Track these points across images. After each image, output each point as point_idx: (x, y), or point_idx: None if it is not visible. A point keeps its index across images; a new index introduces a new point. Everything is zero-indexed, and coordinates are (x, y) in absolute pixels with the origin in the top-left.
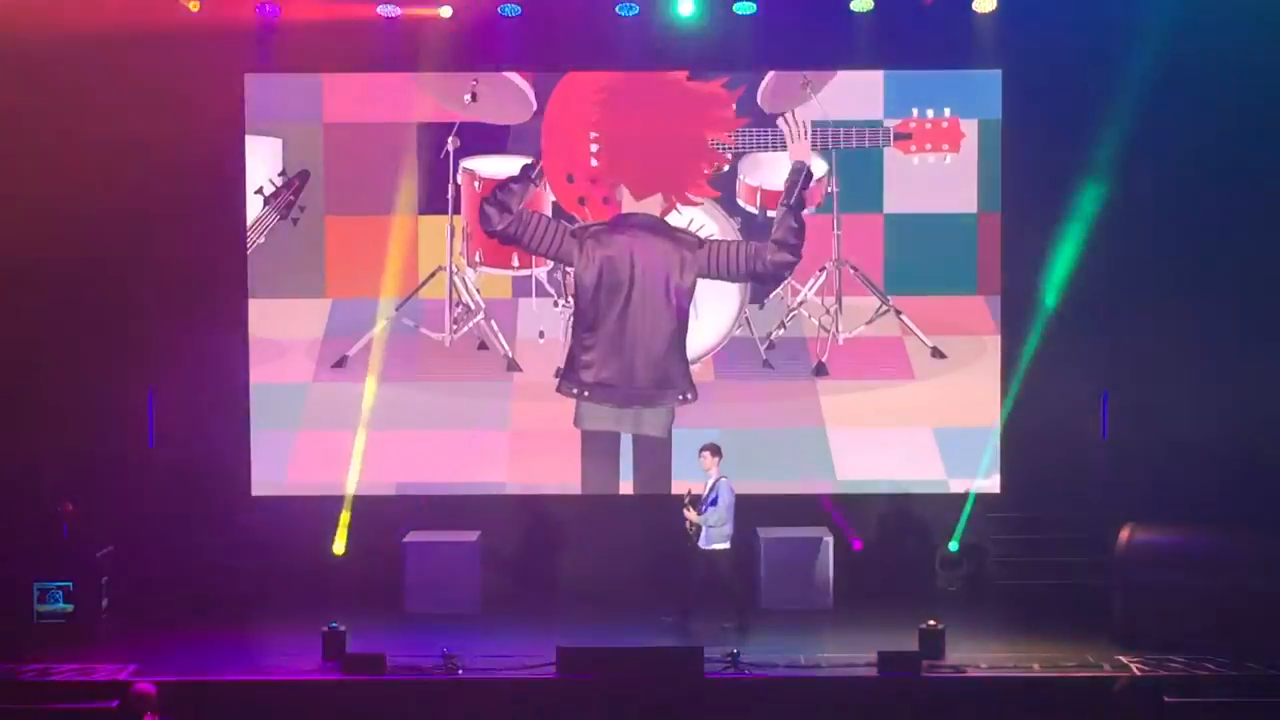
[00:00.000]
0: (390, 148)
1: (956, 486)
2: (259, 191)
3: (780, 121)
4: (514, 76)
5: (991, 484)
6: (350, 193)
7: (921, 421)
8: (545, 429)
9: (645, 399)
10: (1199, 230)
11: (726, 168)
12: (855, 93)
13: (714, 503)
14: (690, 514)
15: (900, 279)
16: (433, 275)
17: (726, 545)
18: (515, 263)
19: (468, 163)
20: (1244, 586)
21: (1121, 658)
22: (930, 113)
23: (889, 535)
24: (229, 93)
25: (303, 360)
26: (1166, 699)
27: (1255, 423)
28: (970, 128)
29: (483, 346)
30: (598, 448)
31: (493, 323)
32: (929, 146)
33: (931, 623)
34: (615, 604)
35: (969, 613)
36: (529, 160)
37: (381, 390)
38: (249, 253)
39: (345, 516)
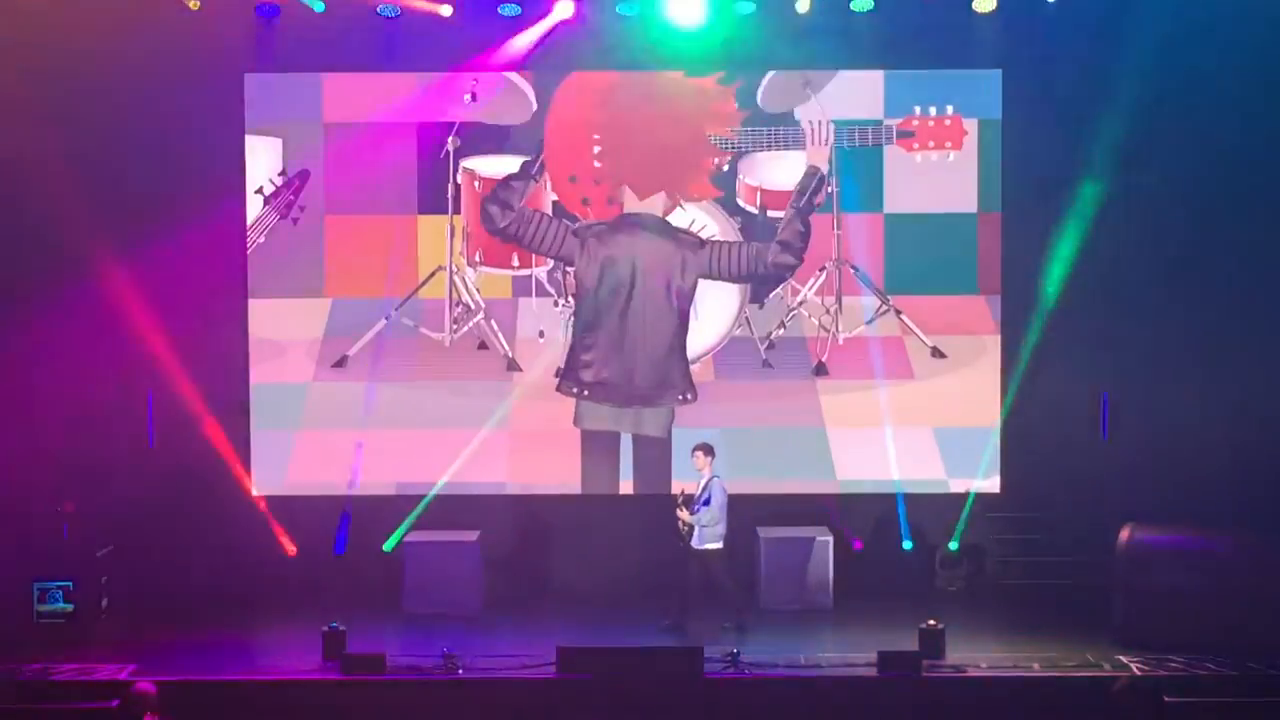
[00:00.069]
0: (390, 148)
1: (957, 486)
2: (259, 191)
3: (805, 123)
4: (514, 76)
5: (991, 484)
6: (350, 193)
7: (921, 421)
8: (545, 429)
9: (645, 399)
10: (1199, 230)
11: (727, 166)
12: (855, 93)
13: (707, 502)
14: (683, 514)
15: (900, 279)
16: (433, 275)
17: (719, 545)
18: (515, 262)
19: (468, 162)
20: (1244, 586)
21: (1121, 658)
22: (933, 111)
23: (889, 535)
24: (229, 93)
25: (303, 360)
26: (1166, 699)
27: (1255, 423)
28: (970, 127)
29: (483, 346)
30: (598, 447)
31: (493, 322)
32: (932, 144)
33: (931, 623)
34: (615, 604)
35: (969, 613)
36: (528, 158)
37: (381, 390)
38: (249, 253)
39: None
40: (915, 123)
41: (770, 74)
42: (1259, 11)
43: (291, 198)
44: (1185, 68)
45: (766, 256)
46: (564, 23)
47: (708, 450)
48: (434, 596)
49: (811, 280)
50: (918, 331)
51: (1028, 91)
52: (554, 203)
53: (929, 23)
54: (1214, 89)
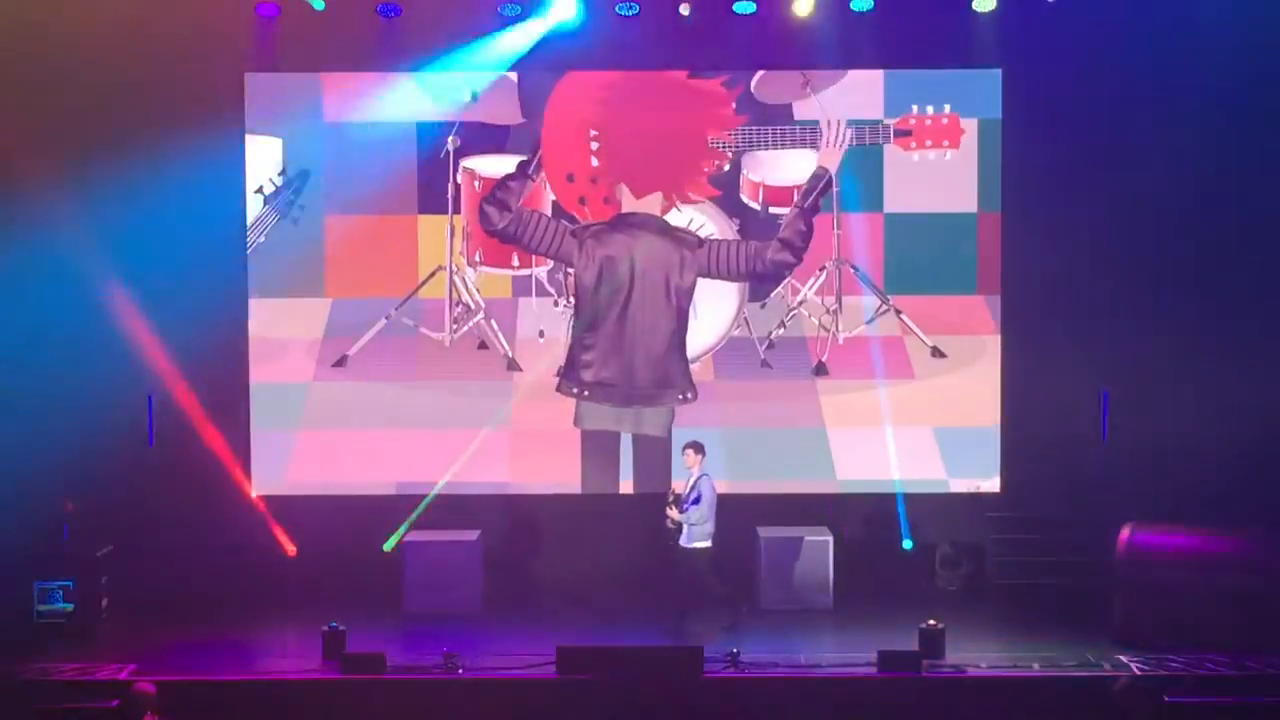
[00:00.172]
0: (390, 148)
1: (957, 486)
2: (259, 191)
3: (824, 124)
4: (514, 77)
5: (991, 484)
6: (350, 193)
7: (921, 421)
8: (545, 429)
9: (645, 398)
10: (1199, 230)
11: (727, 166)
12: (855, 92)
13: (696, 500)
14: (672, 512)
15: (900, 279)
16: (433, 275)
17: (708, 544)
18: (515, 262)
19: (468, 162)
20: (1244, 586)
21: (1121, 658)
22: (930, 110)
23: (889, 535)
24: (229, 93)
25: (303, 360)
26: (1166, 699)
27: (1255, 423)
28: (970, 127)
29: (483, 346)
30: (598, 447)
31: (493, 322)
32: (929, 143)
33: (931, 622)
34: (615, 603)
35: (969, 613)
36: (525, 158)
37: (381, 390)
38: (249, 253)
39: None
40: (913, 121)
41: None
42: (1259, 11)
43: (291, 198)
44: (1185, 67)
45: (766, 254)
46: (563, 23)
47: (698, 448)
48: (434, 596)
49: (811, 280)
50: (918, 331)
51: (1027, 91)
52: (552, 203)
53: (929, 22)
54: (1215, 88)
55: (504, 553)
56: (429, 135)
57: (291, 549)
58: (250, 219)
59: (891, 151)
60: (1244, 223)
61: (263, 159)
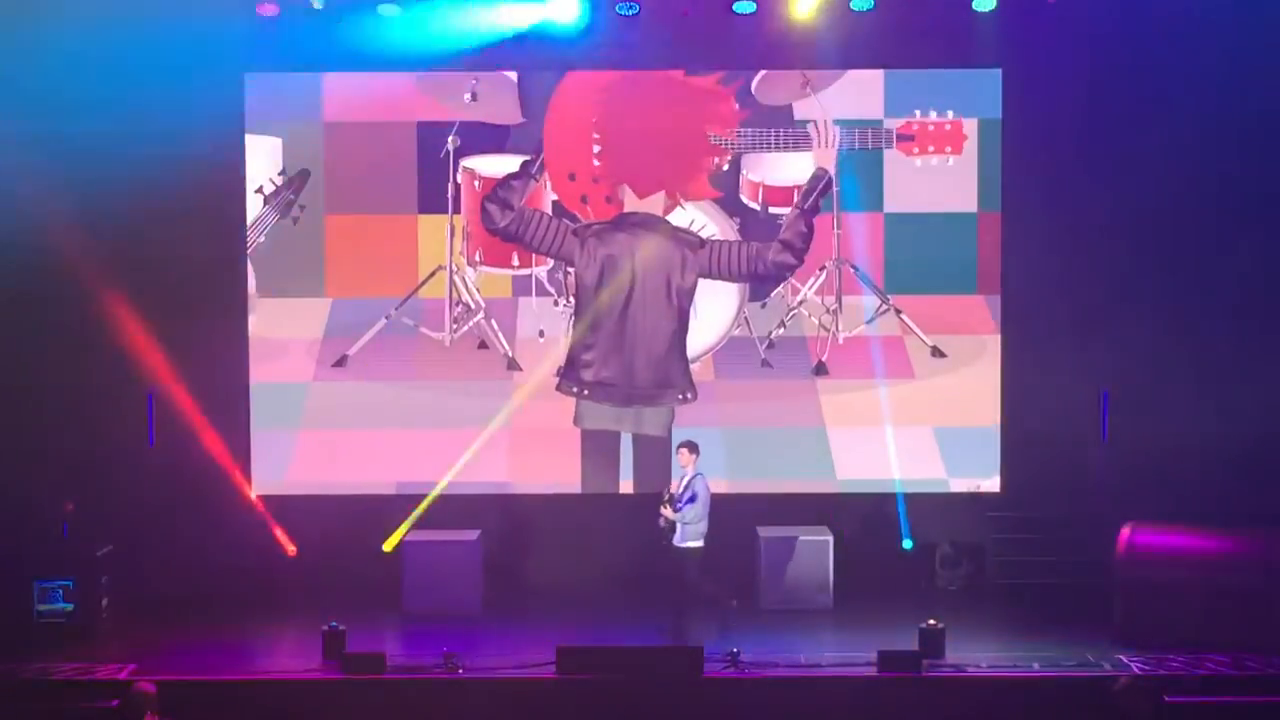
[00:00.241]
0: (390, 147)
1: (957, 486)
2: (259, 191)
3: (811, 126)
4: (514, 76)
5: (991, 484)
6: (350, 192)
7: (921, 421)
8: (545, 429)
9: (645, 398)
10: (1199, 230)
11: (727, 166)
12: (855, 92)
13: (691, 500)
14: (667, 510)
15: (900, 278)
16: (433, 274)
17: (700, 544)
18: (515, 262)
19: (468, 162)
20: (1244, 586)
21: (1121, 658)
22: (933, 114)
23: (889, 535)
24: (229, 93)
25: (303, 360)
26: (1166, 699)
27: (1255, 423)
28: (970, 127)
29: (483, 346)
30: (598, 447)
31: (493, 322)
32: (931, 149)
33: (931, 622)
34: (615, 604)
35: (969, 613)
36: (528, 157)
37: (381, 390)
38: (249, 253)
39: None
40: (915, 126)
41: (762, 71)
42: (1259, 11)
43: (291, 197)
44: (1185, 67)
45: (767, 255)
46: (562, 23)
47: (692, 448)
48: (434, 596)
49: (811, 280)
50: (918, 331)
51: (1028, 91)
52: (554, 202)
53: (929, 22)
54: (1215, 88)
55: (504, 553)
56: (429, 135)
57: (291, 549)
58: (250, 219)
59: (892, 152)
60: (1244, 223)
61: (263, 159)
